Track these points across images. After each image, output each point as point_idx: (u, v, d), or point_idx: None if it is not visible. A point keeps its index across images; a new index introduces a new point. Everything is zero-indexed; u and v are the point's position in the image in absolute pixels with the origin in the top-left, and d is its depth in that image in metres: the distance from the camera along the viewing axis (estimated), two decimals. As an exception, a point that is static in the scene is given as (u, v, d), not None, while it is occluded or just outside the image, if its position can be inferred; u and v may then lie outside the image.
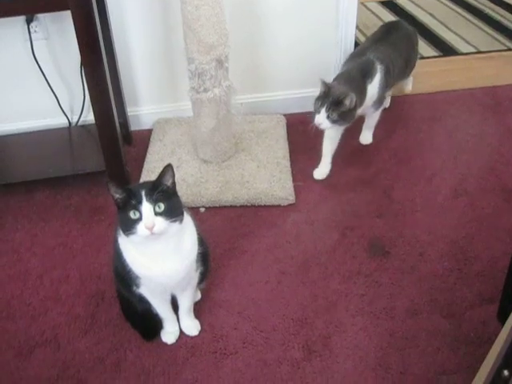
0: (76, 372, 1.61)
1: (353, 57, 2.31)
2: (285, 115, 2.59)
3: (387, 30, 2.44)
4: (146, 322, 1.68)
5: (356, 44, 2.66)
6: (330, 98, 2.03)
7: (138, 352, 1.64)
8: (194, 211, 1.51)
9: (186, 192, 2.10)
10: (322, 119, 2.05)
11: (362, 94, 2.13)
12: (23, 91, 2.51)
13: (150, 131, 2.56)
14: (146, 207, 1.33)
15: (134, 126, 2.59)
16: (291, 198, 2.12)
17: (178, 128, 2.51)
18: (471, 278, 1.82)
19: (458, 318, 1.70)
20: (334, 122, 2.05)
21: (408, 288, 1.80)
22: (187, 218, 1.47)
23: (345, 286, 1.81)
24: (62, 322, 1.76)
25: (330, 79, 2.58)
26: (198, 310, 1.75)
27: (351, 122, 2.15)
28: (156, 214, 1.34)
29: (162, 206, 1.34)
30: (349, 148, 2.43)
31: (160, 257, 1.42)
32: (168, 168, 1.38)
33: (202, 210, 2.12)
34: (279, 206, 2.12)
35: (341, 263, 1.89)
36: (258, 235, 1.99)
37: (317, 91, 2.64)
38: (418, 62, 3.07)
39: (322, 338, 1.65)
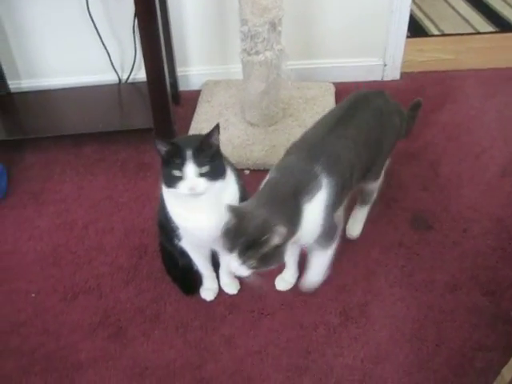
0: (117, 320, 1.66)
1: (293, 152, 1.55)
2: (334, 83, 2.56)
3: (351, 108, 1.64)
4: (186, 277, 1.72)
5: (411, 17, 2.60)
6: (243, 238, 1.30)
7: (178, 306, 1.68)
8: (238, 173, 1.52)
9: (231, 154, 2.11)
10: (235, 267, 1.33)
11: (295, 220, 1.40)
12: (77, 47, 2.54)
13: (198, 92, 2.57)
14: (190, 168, 1.35)
15: (182, 87, 2.59)
16: (336, 166, 2.10)
17: (226, 90, 2.51)
18: (514, 258, 1.80)
19: (497, 296, 1.69)
20: (254, 268, 1.34)
21: (449, 263, 1.79)
22: (231, 177, 1.48)
23: (385, 256, 1.81)
24: (106, 272, 1.81)
25: (380, 52, 2.55)
26: (238, 269, 1.76)
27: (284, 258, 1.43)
28: (199, 175, 1.36)
29: (205, 168, 1.36)
30: (397, 120, 2.40)
31: (198, 210, 1.44)
32: (216, 129, 1.39)
33: (247, 172, 2.13)
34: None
35: (383, 233, 1.88)
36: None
37: (368, 61, 2.63)
38: (473, 38, 3.01)
39: (359, 305, 1.66)
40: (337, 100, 2.47)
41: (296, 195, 1.38)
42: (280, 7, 2.03)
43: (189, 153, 1.35)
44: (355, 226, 1.86)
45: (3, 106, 2.55)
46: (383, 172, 1.80)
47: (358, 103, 1.65)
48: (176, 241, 1.58)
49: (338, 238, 1.57)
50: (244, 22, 2.04)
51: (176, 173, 1.36)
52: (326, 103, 2.41)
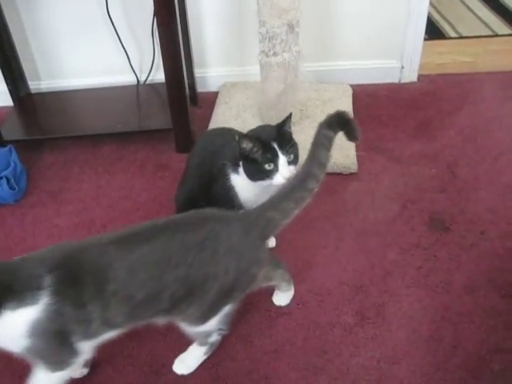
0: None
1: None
2: (351, 85, 2.57)
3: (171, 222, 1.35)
4: None
5: (428, 19, 2.60)
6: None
7: (195, 304, 1.69)
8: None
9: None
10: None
11: None
12: (96, 48, 2.58)
13: (215, 93, 2.59)
14: (283, 160, 1.46)
15: (200, 88, 2.62)
16: (353, 168, 2.11)
17: (243, 92, 2.53)
18: (533, 260, 1.79)
19: (516, 299, 1.68)
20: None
21: (466, 265, 1.78)
22: None
23: (402, 257, 1.80)
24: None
25: (398, 55, 2.55)
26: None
27: None
28: (288, 163, 1.47)
29: (292, 156, 1.48)
30: (413, 122, 2.40)
31: (269, 193, 1.51)
32: (289, 117, 1.51)
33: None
34: (341, 174, 2.12)
35: (399, 235, 1.88)
36: (318, 201, 1.96)
37: (385, 63, 2.63)
38: (492, 40, 3.00)
39: (375, 305, 1.66)
40: (354, 102, 2.47)
41: None
42: (298, 9, 2.04)
43: (276, 145, 1.45)
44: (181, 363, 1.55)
45: (23, 107, 2.58)
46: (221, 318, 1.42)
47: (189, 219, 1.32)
48: None
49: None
50: (262, 23, 2.05)
51: (268, 166, 1.45)
52: (343, 105, 2.42)
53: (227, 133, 1.66)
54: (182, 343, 1.58)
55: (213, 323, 1.39)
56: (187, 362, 1.53)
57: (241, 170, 1.51)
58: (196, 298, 1.28)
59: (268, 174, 1.47)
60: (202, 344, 1.49)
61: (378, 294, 1.69)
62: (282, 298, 1.67)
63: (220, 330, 1.46)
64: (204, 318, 1.36)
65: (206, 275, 1.26)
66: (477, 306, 1.66)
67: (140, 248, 1.22)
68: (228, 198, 1.56)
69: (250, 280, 1.36)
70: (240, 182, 1.55)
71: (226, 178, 1.55)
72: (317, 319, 1.63)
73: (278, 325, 1.62)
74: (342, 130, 1.40)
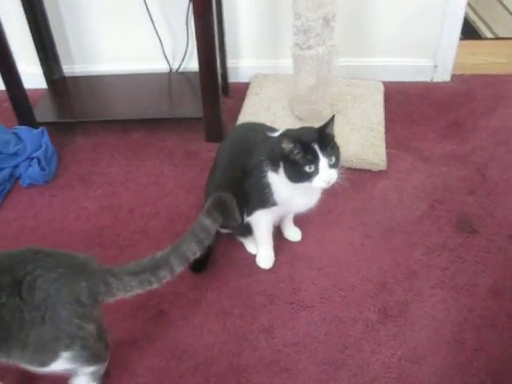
0: (158, 303, 1.69)
1: None
2: (383, 82, 2.55)
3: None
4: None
5: (464, 19, 2.56)
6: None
7: (219, 293, 1.70)
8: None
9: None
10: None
11: None
12: (130, 34, 2.58)
13: (246, 84, 2.59)
14: (324, 162, 1.43)
15: (231, 78, 2.62)
16: (382, 165, 2.10)
17: (275, 84, 2.52)
18: (562, 267, 1.77)
19: (542, 304, 1.66)
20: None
21: (493, 268, 1.76)
22: None
23: (428, 257, 1.79)
24: (149, 256, 1.83)
25: (432, 53, 2.53)
26: (279, 261, 1.79)
27: None
28: (329, 166, 1.44)
29: (333, 159, 1.44)
30: (444, 122, 2.38)
31: (313, 193, 1.56)
32: (332, 119, 1.48)
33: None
34: (369, 170, 2.11)
35: (426, 234, 1.87)
36: (346, 197, 1.99)
37: (419, 61, 2.60)
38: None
39: (399, 304, 1.65)
40: (385, 99, 2.45)
41: None
42: (334, 3, 2.03)
43: (317, 147, 1.43)
44: None
45: (57, 90, 2.61)
46: None
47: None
48: (245, 216, 1.67)
49: None
50: (298, 16, 2.05)
51: (308, 168, 1.43)
52: (375, 101, 2.41)
53: (260, 128, 1.65)
54: (205, 328, 1.61)
55: (59, 366, 1.28)
56: None
57: (280, 170, 1.50)
58: (16, 342, 1.21)
59: (308, 177, 1.44)
60: (82, 374, 1.40)
61: (401, 293, 1.69)
62: None
63: (87, 363, 1.34)
64: (40, 362, 1.27)
65: (21, 320, 1.19)
66: (501, 310, 1.64)
67: None
68: (263, 194, 1.56)
69: (76, 331, 1.25)
70: (278, 181, 1.53)
71: (263, 175, 1.54)
72: (339, 314, 1.63)
73: (300, 318, 1.63)
74: (222, 216, 1.35)
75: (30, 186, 2.15)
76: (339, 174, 1.49)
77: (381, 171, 2.11)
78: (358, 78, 2.57)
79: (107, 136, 2.38)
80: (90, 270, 1.28)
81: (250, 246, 1.82)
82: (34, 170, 2.13)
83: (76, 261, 1.28)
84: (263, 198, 1.57)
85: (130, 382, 1.51)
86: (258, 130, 1.62)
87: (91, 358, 1.34)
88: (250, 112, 2.33)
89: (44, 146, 2.20)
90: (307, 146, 1.43)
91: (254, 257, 1.80)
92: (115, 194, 2.09)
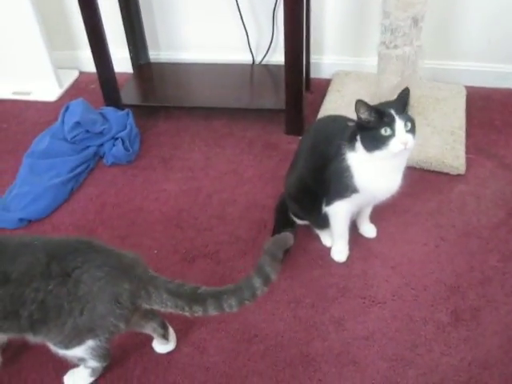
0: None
1: None
2: (466, 87, 2.52)
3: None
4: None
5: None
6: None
7: (291, 282, 1.74)
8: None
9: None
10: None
11: None
12: (216, 24, 2.65)
13: (327, 81, 2.61)
14: (400, 125, 1.44)
15: (313, 74, 2.64)
16: (461, 169, 2.08)
17: (356, 82, 2.53)
18: None
19: None
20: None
21: None
22: None
23: (504, 264, 1.77)
24: (225, 240, 1.89)
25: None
26: (353, 256, 1.81)
27: None
28: (406, 131, 1.45)
29: (409, 125, 1.46)
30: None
31: (391, 172, 1.56)
32: (408, 91, 1.51)
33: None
34: (448, 174, 2.09)
35: (503, 241, 1.84)
36: (422, 198, 1.99)
37: (504, 67, 2.56)
38: None
39: (471, 308, 1.65)
40: (468, 104, 2.42)
41: None
42: (425, 3, 2.03)
43: (392, 111, 1.45)
44: None
45: (142, 74, 2.70)
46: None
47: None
48: (323, 206, 1.70)
49: None
50: (386, 14, 2.05)
51: (385, 131, 1.44)
52: (456, 105, 2.38)
53: (341, 119, 1.68)
54: (277, 315, 1.64)
55: (79, 352, 1.36)
56: (75, 379, 1.50)
57: (357, 144, 1.51)
58: (53, 326, 1.28)
59: (385, 141, 1.44)
60: (85, 367, 1.47)
61: (474, 298, 1.68)
62: (158, 346, 1.58)
63: (97, 358, 1.41)
64: (65, 345, 1.34)
65: (62, 308, 1.25)
66: None
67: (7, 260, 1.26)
68: (343, 180, 1.57)
69: (109, 327, 1.31)
70: (357, 160, 1.54)
71: (342, 158, 1.56)
72: (411, 313, 1.64)
73: (371, 313, 1.64)
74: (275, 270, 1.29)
75: (113, 164, 2.25)
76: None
77: (459, 175, 2.09)
78: (441, 80, 2.55)
79: (189, 122, 2.45)
80: (136, 273, 1.31)
81: (325, 238, 1.85)
82: (118, 149, 2.22)
83: (124, 261, 1.32)
84: (343, 185, 1.58)
85: (200, 361, 1.56)
86: (339, 121, 1.64)
87: (105, 353, 1.41)
88: (331, 108, 2.35)
89: (128, 128, 2.30)
90: (383, 110, 1.45)
91: (328, 249, 1.82)
92: (195, 179, 2.16)
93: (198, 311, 1.29)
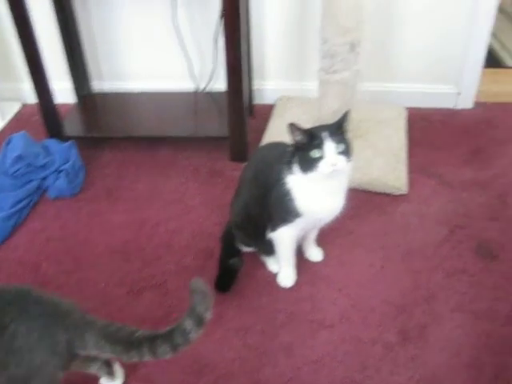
0: (180, 317, 1.70)
1: None
2: (406, 108, 2.58)
3: None
4: (229, 275, 1.80)
5: (489, 48, 2.59)
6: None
7: (240, 309, 1.73)
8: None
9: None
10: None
11: None
12: (159, 53, 2.66)
13: (270, 106, 2.64)
14: (330, 146, 1.45)
15: (256, 100, 2.67)
16: (404, 189, 2.13)
17: (299, 107, 2.57)
18: None
19: (562, 331, 1.67)
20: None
21: (512, 294, 1.78)
22: None
23: (447, 281, 1.81)
24: (172, 270, 1.87)
25: (455, 80, 2.56)
26: (300, 280, 1.81)
27: None
28: (338, 153, 1.46)
29: (342, 147, 1.47)
30: (466, 148, 2.41)
31: (331, 194, 1.57)
32: (348, 114, 1.53)
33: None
34: (391, 194, 2.14)
35: (446, 259, 1.88)
36: (367, 220, 2.02)
37: (442, 88, 2.64)
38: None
39: (418, 326, 1.67)
40: (408, 124, 2.48)
41: None
42: (361, 29, 2.08)
43: (325, 133, 1.47)
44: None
45: (85, 105, 2.68)
46: None
47: None
48: (269, 232, 1.70)
49: None
50: (325, 40, 2.09)
51: (315, 153, 1.46)
52: (397, 127, 2.44)
53: (282, 145, 1.69)
54: (226, 343, 1.63)
55: None
56: None
57: (295, 167, 1.52)
58: None
59: (315, 162, 1.46)
60: None
61: (421, 316, 1.70)
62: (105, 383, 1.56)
63: None
64: None
65: None
66: (520, 336, 1.65)
67: None
68: (285, 204, 1.58)
69: (47, 377, 1.26)
70: (296, 183, 1.55)
71: (282, 183, 1.56)
72: (359, 335, 1.65)
73: (320, 336, 1.65)
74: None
75: (58, 198, 2.21)
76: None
77: (402, 195, 2.13)
78: (381, 102, 2.61)
79: (134, 152, 2.44)
80: (72, 321, 1.27)
81: (272, 264, 1.85)
82: (62, 182, 2.19)
83: (60, 309, 1.29)
84: (286, 210, 1.58)
85: (151, 395, 1.54)
86: (280, 148, 1.65)
87: None
88: (274, 134, 2.37)
89: (72, 160, 2.26)
90: (315, 132, 1.47)
91: (275, 275, 1.82)
92: (140, 209, 2.14)
93: (134, 357, 1.25)
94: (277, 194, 1.60)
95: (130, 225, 2.07)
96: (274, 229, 1.68)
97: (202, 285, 1.26)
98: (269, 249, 1.76)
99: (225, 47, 2.07)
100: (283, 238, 1.69)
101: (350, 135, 1.53)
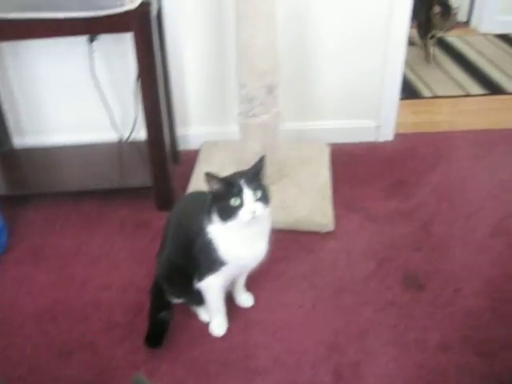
0: (112, 376, 1.67)
1: None
2: (329, 144, 2.64)
3: None
4: (160, 330, 1.77)
5: (404, 79, 2.69)
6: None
7: (172, 364, 1.69)
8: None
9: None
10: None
11: None
12: (79, 105, 2.63)
13: (197, 152, 2.64)
14: (248, 194, 1.46)
15: (182, 146, 2.67)
16: (330, 226, 2.16)
17: (224, 150, 2.58)
18: (507, 318, 1.82)
19: (490, 357, 1.69)
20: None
21: (441, 323, 1.81)
22: None
23: (378, 315, 1.83)
24: (102, 328, 1.82)
25: (374, 114, 2.64)
26: (232, 327, 1.79)
27: None
28: (256, 200, 1.47)
29: (259, 193, 1.48)
30: (389, 180, 2.47)
31: (253, 240, 1.58)
32: (263, 159, 1.54)
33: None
34: (318, 232, 2.16)
35: (375, 293, 1.91)
36: (295, 260, 2.04)
37: (362, 123, 2.71)
38: (465, 100, 3.12)
39: (352, 364, 1.67)
40: (331, 160, 2.53)
41: None
42: (277, 72, 2.12)
43: (242, 182, 1.47)
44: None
45: (7, 162, 2.62)
46: None
47: None
48: (196, 282, 1.69)
49: None
50: (242, 85, 2.12)
51: (234, 202, 1.46)
52: (321, 163, 2.48)
53: (203, 194, 1.68)
54: None
55: None
56: None
57: (214, 216, 1.52)
58: None
59: (235, 211, 1.46)
60: None
61: (354, 353, 1.71)
62: None
63: None
64: None
65: None
66: (451, 363, 1.68)
67: None
68: (209, 254, 1.57)
69: None
70: (217, 232, 1.55)
71: (204, 233, 1.56)
72: (294, 379, 1.64)
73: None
74: None
75: (-19, 261, 2.13)
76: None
77: (329, 232, 2.16)
78: (304, 140, 2.66)
79: (59, 208, 2.38)
80: None
81: (202, 314, 1.83)
82: (-16, 244, 2.12)
83: None
84: (210, 259, 1.58)
85: None
86: (201, 197, 1.64)
87: None
88: (200, 179, 2.34)
89: (-6, 221, 2.20)
90: (232, 182, 1.47)
91: (207, 325, 1.80)
92: (67, 267, 2.08)
93: None
94: (200, 244, 1.59)
95: (57, 284, 2.01)
96: (200, 278, 1.66)
97: (144, 380, 1.23)
98: (198, 299, 1.74)
99: (141, 97, 2.07)
100: (211, 287, 1.68)
101: (266, 181, 1.55)
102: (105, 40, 2.44)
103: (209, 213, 1.54)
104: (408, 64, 3.47)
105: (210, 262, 1.60)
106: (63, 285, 2.01)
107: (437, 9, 3.22)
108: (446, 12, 3.25)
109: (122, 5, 1.86)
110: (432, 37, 3.32)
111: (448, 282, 1.95)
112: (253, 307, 1.87)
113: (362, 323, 1.80)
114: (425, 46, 3.60)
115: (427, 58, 3.57)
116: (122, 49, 2.47)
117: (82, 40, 2.41)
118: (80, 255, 2.13)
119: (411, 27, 3.49)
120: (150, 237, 2.18)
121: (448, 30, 3.38)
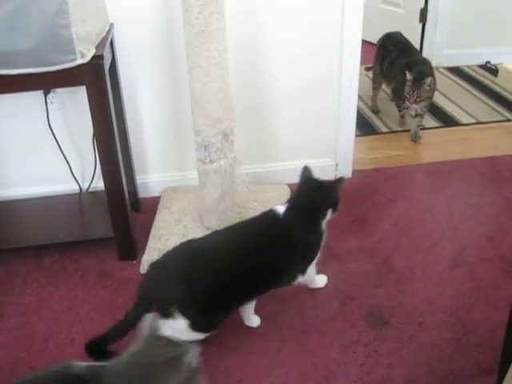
0: None
1: None
2: (288, 185, 2.67)
3: None
4: None
5: (361, 116, 2.74)
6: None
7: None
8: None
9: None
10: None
11: None
12: (37, 157, 2.62)
13: (157, 199, 2.64)
14: None
15: (142, 194, 2.67)
16: (291, 267, 2.18)
17: (184, 196, 2.59)
18: (470, 349, 1.84)
19: (456, 389, 1.72)
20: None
21: (407, 358, 1.82)
22: None
23: (344, 355, 1.83)
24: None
25: (332, 152, 2.69)
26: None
27: None
28: None
29: None
30: (349, 217, 2.50)
31: None
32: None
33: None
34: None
35: (340, 332, 1.91)
36: (259, 304, 2.03)
37: (320, 162, 2.75)
38: (421, 133, 3.18)
39: (320, 407, 1.67)
40: (292, 200, 2.55)
41: None
42: (232, 118, 2.15)
43: None
44: None
45: (-37, 219, 2.58)
46: None
47: None
48: (299, 278, 1.94)
49: None
50: (198, 132, 2.15)
51: None
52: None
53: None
54: None
55: None
56: None
57: (329, 213, 1.97)
58: None
59: None
60: None
61: (321, 396, 1.71)
62: None
63: None
64: None
65: None
66: (418, 399, 1.69)
67: None
68: (319, 245, 1.94)
69: None
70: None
71: (319, 228, 1.94)
72: (262, 426, 1.63)
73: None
74: None
75: None
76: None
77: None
78: (264, 183, 2.68)
79: (19, 263, 2.35)
80: None
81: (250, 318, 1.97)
82: None
83: None
84: (319, 248, 1.96)
85: None
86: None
87: None
88: (162, 226, 2.37)
89: (-49, 281, 2.15)
90: None
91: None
92: (29, 324, 2.04)
93: None
94: (308, 241, 1.92)
95: (19, 343, 1.97)
96: (304, 271, 1.92)
97: None
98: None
99: (97, 148, 2.08)
100: (310, 270, 1.97)
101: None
102: (60, 91, 2.46)
103: (324, 214, 1.92)
104: (364, 100, 3.56)
105: (316, 251, 1.93)
106: (25, 343, 1.97)
107: (409, 76, 3.07)
108: (417, 81, 3.05)
109: (74, 59, 1.87)
110: (416, 115, 3.23)
111: (411, 316, 1.97)
112: (219, 354, 1.85)
113: (328, 364, 1.80)
114: (401, 117, 3.43)
115: (412, 137, 3.27)
116: (77, 99, 2.47)
117: (37, 92, 2.42)
118: (42, 311, 2.10)
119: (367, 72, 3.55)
120: (112, 288, 2.16)
121: (420, 100, 3.09)
